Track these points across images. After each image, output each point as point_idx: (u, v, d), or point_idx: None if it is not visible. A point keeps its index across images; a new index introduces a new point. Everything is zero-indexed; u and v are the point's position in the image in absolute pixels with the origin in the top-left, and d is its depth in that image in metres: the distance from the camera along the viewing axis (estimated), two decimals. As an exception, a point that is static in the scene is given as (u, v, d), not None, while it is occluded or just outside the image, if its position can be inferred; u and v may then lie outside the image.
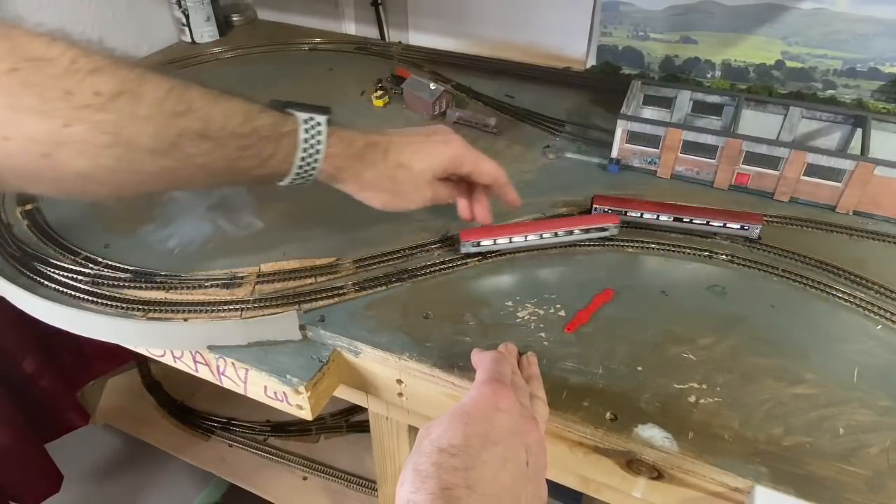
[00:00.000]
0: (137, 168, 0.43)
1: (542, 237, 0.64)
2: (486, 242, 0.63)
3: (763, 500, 0.43)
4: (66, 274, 0.63)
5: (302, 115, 0.50)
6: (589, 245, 0.66)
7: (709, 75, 0.97)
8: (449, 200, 0.61)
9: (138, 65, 0.43)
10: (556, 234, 0.64)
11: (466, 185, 0.62)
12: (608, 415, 0.48)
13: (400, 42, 1.17)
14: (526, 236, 0.64)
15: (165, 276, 0.63)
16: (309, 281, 0.62)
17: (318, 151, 0.51)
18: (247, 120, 0.47)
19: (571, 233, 0.64)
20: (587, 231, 0.65)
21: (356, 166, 0.54)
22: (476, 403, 0.40)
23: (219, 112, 0.45)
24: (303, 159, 0.51)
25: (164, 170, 0.44)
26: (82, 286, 0.61)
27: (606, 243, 0.66)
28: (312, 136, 0.51)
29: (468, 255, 0.64)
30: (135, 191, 0.46)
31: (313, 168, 0.52)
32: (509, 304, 0.58)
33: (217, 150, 0.45)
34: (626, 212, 0.67)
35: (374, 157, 0.54)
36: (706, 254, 0.65)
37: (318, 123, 0.51)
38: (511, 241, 0.63)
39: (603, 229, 0.65)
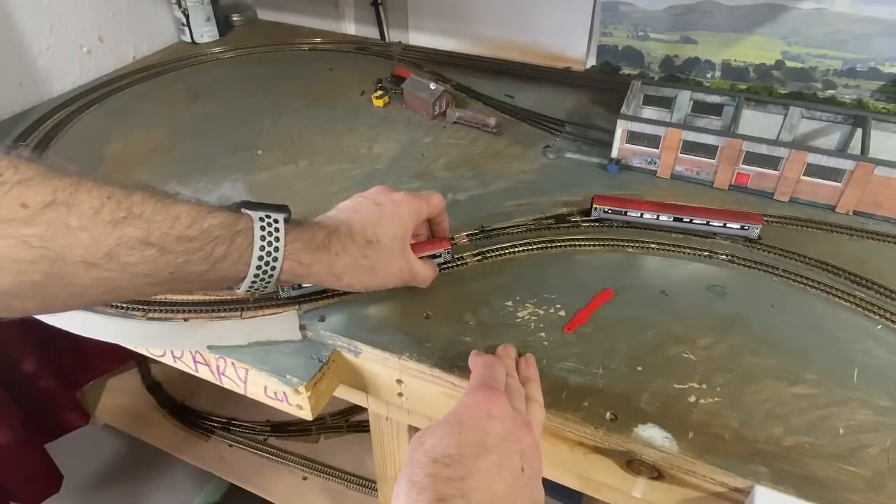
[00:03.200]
0: (68, 281, 0.39)
1: None
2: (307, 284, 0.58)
3: (763, 500, 0.43)
4: (66, 274, 0.63)
5: (257, 214, 0.47)
6: (589, 245, 0.66)
7: (709, 75, 0.97)
8: (429, 280, 0.59)
9: (77, 172, 0.39)
10: None
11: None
12: (608, 415, 0.48)
13: (400, 42, 1.17)
14: None
15: (165, 276, 0.63)
16: (309, 281, 0.62)
17: (276, 249, 0.46)
18: (195, 221, 0.43)
19: None
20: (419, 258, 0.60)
21: (325, 258, 0.50)
22: (469, 411, 0.40)
23: (163, 216, 0.41)
24: (260, 258, 0.46)
25: (99, 281, 0.40)
26: (82, 286, 0.61)
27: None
28: (270, 234, 0.46)
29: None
30: (65, 305, 0.42)
31: (273, 268, 0.47)
32: (509, 304, 0.58)
33: (161, 256, 0.42)
34: (626, 212, 0.67)
35: (342, 244, 0.50)
36: (706, 254, 0.65)
37: (276, 220, 0.47)
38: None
39: (435, 256, 0.61)
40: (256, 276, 0.47)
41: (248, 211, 0.47)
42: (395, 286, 0.56)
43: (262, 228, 0.46)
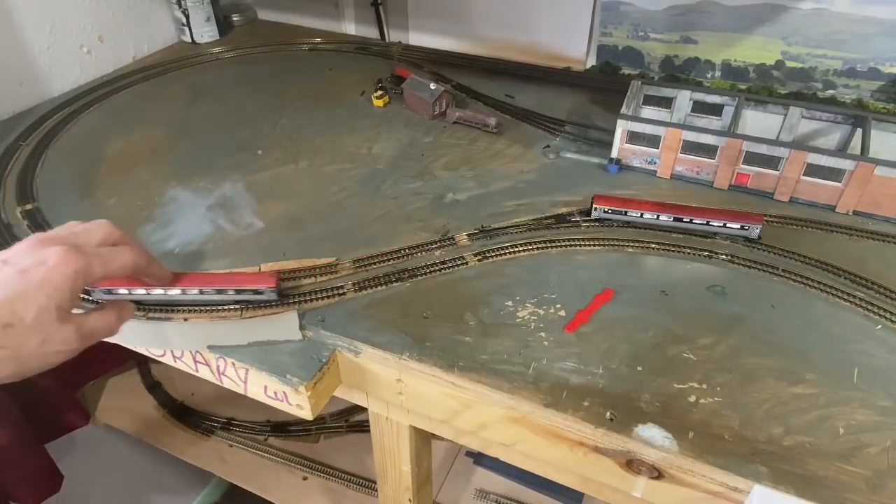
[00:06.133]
0: None
1: (185, 293, 0.57)
2: (122, 291, 0.57)
3: (763, 500, 0.43)
4: (66, 274, 0.63)
5: None
6: (589, 245, 0.66)
7: (709, 75, 0.97)
8: (114, 327, 0.48)
9: None
10: (201, 292, 0.58)
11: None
12: (608, 415, 0.48)
13: (400, 42, 1.17)
14: (166, 291, 0.57)
15: (165, 276, 0.63)
16: (309, 281, 0.62)
17: None
18: None
19: (224, 292, 0.58)
20: (240, 292, 0.58)
21: None
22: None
23: None
24: None
25: None
26: (82, 286, 0.61)
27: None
28: None
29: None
30: None
31: None
32: (509, 304, 0.58)
33: None
34: (626, 212, 0.67)
35: None
36: (706, 254, 0.65)
37: None
38: (149, 294, 0.57)
39: (258, 292, 0.58)
40: None
41: None
42: (71, 356, 0.45)
43: None
